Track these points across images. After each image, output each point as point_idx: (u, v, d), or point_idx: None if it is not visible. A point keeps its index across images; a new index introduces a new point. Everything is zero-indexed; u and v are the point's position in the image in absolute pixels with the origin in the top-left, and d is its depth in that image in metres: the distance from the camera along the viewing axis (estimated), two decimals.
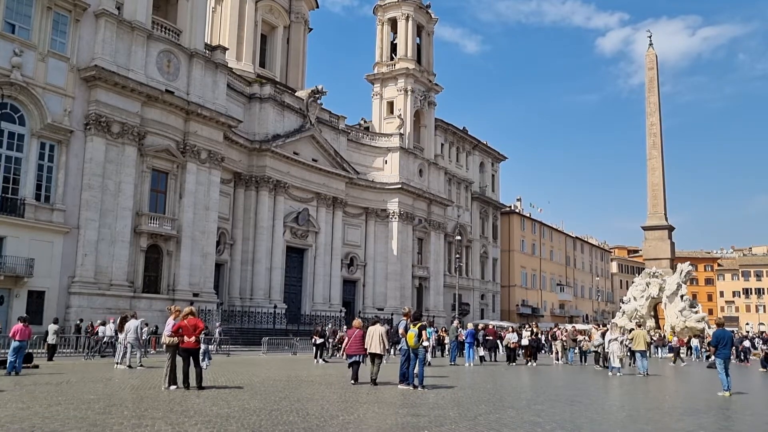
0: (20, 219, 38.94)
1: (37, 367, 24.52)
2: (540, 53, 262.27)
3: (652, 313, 65.04)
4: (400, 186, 74.71)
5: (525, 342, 35.52)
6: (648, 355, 31.24)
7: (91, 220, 42.58)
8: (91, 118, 42.96)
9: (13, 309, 37.73)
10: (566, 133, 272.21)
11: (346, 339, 22.86)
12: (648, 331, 37.79)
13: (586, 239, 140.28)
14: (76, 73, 42.59)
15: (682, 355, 44.48)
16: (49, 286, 40.52)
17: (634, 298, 65.15)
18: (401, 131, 76.83)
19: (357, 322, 21.98)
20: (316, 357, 33.87)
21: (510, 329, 40.43)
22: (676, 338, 50.80)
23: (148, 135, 46.69)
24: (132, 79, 44.77)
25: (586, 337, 38.71)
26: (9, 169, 39.05)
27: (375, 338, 20.29)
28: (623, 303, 68.37)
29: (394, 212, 74.87)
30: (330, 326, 37.68)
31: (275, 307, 57.85)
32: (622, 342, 29.97)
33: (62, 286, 41.17)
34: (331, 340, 38.61)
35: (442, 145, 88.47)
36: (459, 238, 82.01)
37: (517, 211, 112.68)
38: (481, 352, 36.24)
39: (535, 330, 38.88)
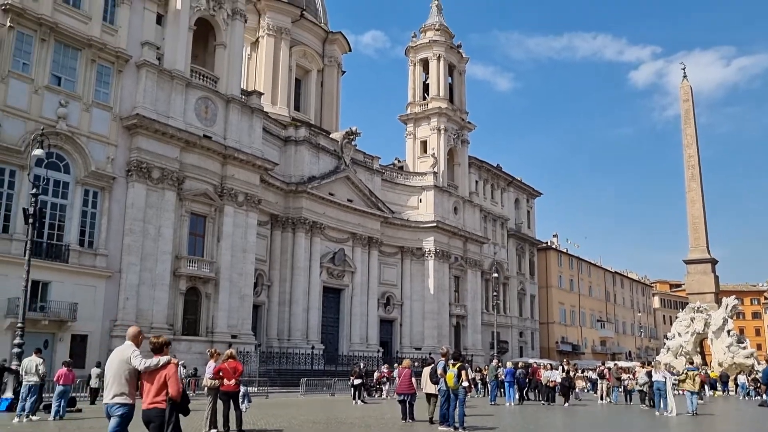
0: (65, 264, 39.91)
1: (80, 410, 24.86)
2: (572, 88, 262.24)
3: (698, 349, 63.16)
4: (435, 224, 74.68)
5: (557, 379, 34.77)
6: (701, 395, 30.24)
7: (132, 264, 43.42)
8: (133, 164, 44.16)
9: (57, 353, 38.37)
10: (601, 167, 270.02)
11: (397, 378, 23.09)
12: (700, 371, 36.54)
13: (625, 274, 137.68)
14: (119, 122, 43.98)
15: (710, 392, 42.96)
16: (92, 330, 41.21)
17: (679, 334, 63.42)
18: (435, 170, 77.12)
19: (407, 362, 22.48)
20: (354, 398, 33.65)
21: (548, 367, 39.66)
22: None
23: (187, 179, 47.72)
24: (171, 126, 46.01)
25: (631, 375, 37.73)
26: (54, 216, 40.18)
27: (429, 378, 20.39)
28: (667, 339, 66.56)
29: (429, 251, 74.72)
30: (362, 365, 37.44)
31: (313, 347, 57.81)
32: (669, 381, 29.12)
33: (104, 329, 41.84)
34: (369, 380, 38.35)
35: (477, 182, 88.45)
36: (496, 275, 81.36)
37: (553, 247, 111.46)
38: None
39: (567, 368, 38.05)
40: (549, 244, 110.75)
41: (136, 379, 9.51)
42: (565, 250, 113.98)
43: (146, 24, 46.64)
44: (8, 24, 38.47)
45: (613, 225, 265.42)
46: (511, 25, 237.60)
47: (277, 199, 60.34)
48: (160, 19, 47.78)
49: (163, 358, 9.49)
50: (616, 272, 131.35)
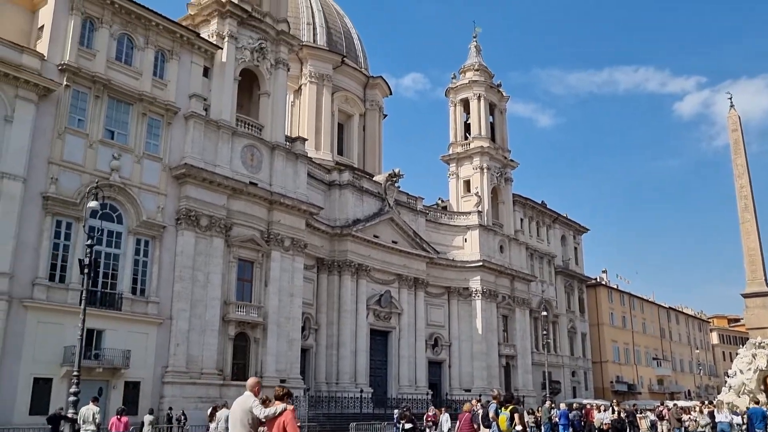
0: (118, 312, 40.85)
1: None
2: (615, 122, 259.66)
3: (762, 387, 60.46)
4: (481, 264, 74.10)
5: (607, 421, 33.67)
6: None
7: (182, 311, 44.15)
8: (182, 213, 45.26)
9: (111, 400, 38.96)
10: (649, 200, 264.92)
11: (458, 423, 22.94)
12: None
13: (680, 309, 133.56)
14: (168, 172, 45.30)
15: None
16: (144, 377, 41.82)
17: (740, 372, 60.69)
18: (479, 209, 76.86)
19: (467, 405, 22.57)
20: None
21: (601, 408, 38.49)
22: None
23: (234, 226, 48.61)
24: (219, 174, 47.16)
25: (692, 416, 36.35)
26: (108, 265, 41.32)
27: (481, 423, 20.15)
28: (728, 377, 63.88)
29: (476, 290, 74.02)
30: (404, 408, 36.93)
31: (361, 391, 57.40)
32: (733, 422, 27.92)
33: (156, 376, 42.42)
34: (420, 423, 37.75)
35: (522, 220, 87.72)
36: (545, 313, 79.66)
37: (603, 283, 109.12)
38: None
39: (617, 409, 36.81)
40: (598, 280, 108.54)
41: (258, 426, 10.75)
42: (615, 287, 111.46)
43: (193, 77, 48.29)
44: (65, 83, 40.31)
45: (664, 259, 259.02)
46: (551, 61, 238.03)
47: (323, 242, 60.85)
48: (206, 72, 49.41)
49: (281, 407, 10.68)
50: (670, 308, 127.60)
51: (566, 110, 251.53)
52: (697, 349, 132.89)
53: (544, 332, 77.53)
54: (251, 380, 11.08)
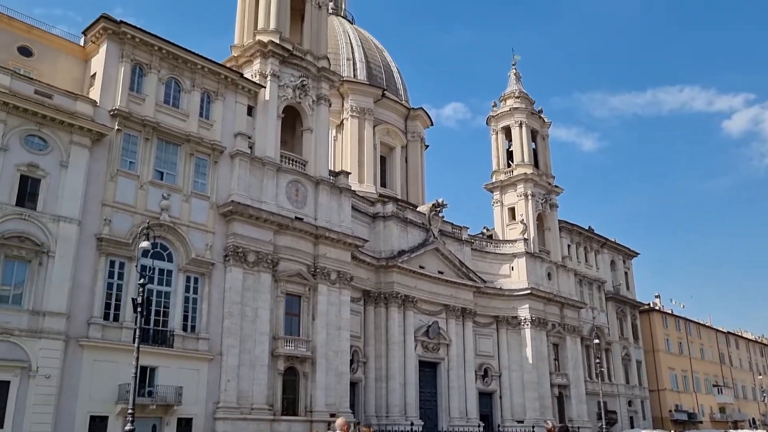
0: (170, 349, 41.60)
1: None
2: (662, 143, 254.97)
3: None
4: (529, 291, 73.10)
5: None
6: None
7: (232, 347, 44.66)
8: (230, 249, 46.06)
9: None
10: (701, 220, 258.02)
11: None
12: None
13: (740, 334, 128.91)
14: (215, 210, 46.29)
15: None
16: (196, 413, 42.29)
17: None
18: (525, 236, 76.10)
19: None
20: None
21: None
22: None
23: (281, 261, 49.19)
24: (265, 210, 47.95)
25: None
26: (160, 303, 42.24)
27: None
28: None
29: (525, 319, 72.94)
30: None
31: (412, 424, 56.79)
32: None
33: (208, 412, 42.84)
34: None
35: (569, 246, 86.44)
36: (597, 341, 78.00)
37: (656, 308, 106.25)
38: None
39: None
40: (651, 305, 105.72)
41: None
42: (669, 311, 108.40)
43: (238, 116, 49.52)
44: (116, 127, 41.82)
45: (719, 282, 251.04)
46: (592, 85, 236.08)
47: (369, 275, 60.98)
48: (250, 111, 50.62)
49: None
50: (729, 332, 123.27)
51: (610, 133, 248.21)
52: (760, 374, 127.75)
53: (597, 360, 75.72)
54: (339, 420, 11.35)
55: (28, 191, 37.77)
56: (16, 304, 36.31)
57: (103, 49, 43.46)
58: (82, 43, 45.40)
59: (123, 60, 43.51)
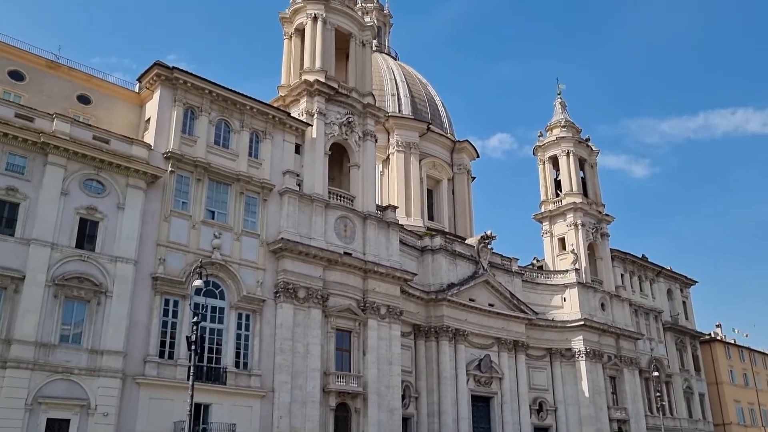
0: (223, 386, 42.06)
1: None
2: (716, 167, 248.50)
3: None
4: (582, 322, 71.54)
5: None
6: None
7: (284, 383, 44.88)
8: (280, 286, 46.60)
9: None
10: (761, 246, 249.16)
11: None
12: None
13: None
14: (266, 247, 47.04)
15: None
16: None
17: None
18: (576, 266, 74.80)
19: None
20: None
21: None
22: None
23: (331, 296, 49.48)
24: (314, 246, 48.49)
25: None
26: (212, 340, 42.90)
27: None
28: None
29: (579, 351, 71.26)
30: None
31: None
32: None
33: None
34: None
35: (622, 275, 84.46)
36: (656, 373, 75.44)
37: (718, 338, 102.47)
38: None
39: None
40: (713, 335, 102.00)
41: None
42: (732, 341, 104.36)
43: (286, 154, 50.52)
44: (170, 169, 43.16)
45: None
46: (640, 111, 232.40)
47: (418, 308, 60.73)
48: (298, 149, 51.60)
49: None
50: None
51: (661, 159, 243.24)
52: None
53: (658, 394, 73.18)
54: None
55: (87, 233, 39.19)
56: (76, 343, 37.38)
57: (156, 94, 45.15)
58: (137, 90, 47.28)
59: (176, 104, 45.08)
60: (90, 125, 42.58)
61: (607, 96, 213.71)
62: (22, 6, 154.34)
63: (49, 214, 37.75)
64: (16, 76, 43.40)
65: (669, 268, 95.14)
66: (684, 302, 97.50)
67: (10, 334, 35.09)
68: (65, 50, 55.59)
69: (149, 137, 44.26)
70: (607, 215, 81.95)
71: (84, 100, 45.84)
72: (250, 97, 48.70)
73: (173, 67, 45.23)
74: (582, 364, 70.95)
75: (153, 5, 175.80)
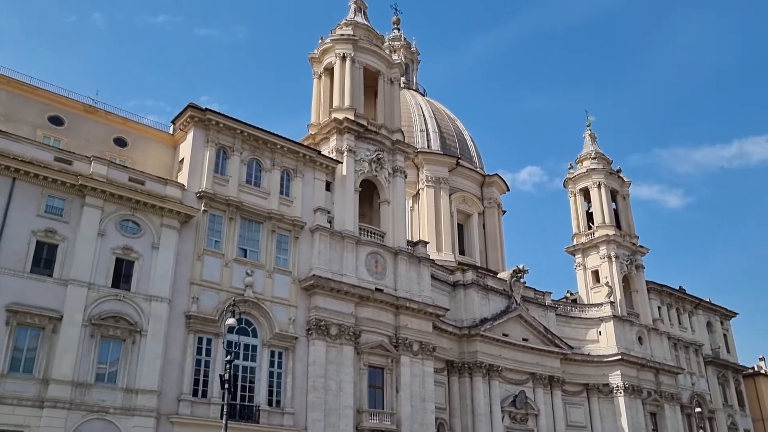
0: (256, 425, 41.93)
1: None
2: (753, 195, 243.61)
3: None
4: (619, 357, 70.00)
5: None
6: None
7: (316, 421, 44.59)
8: (312, 323, 46.64)
9: None
10: None
11: None
12: None
13: None
14: (297, 284, 47.26)
15: None
16: None
17: None
18: (611, 299, 73.53)
19: None
20: None
21: None
22: None
23: (363, 333, 49.33)
24: (345, 283, 48.56)
25: None
26: (245, 378, 42.94)
27: None
28: None
29: (617, 386, 69.59)
30: None
31: None
32: None
33: None
34: None
35: (659, 308, 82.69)
36: (698, 409, 73.50)
37: (763, 372, 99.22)
38: None
39: None
40: (756, 369, 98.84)
41: None
42: None
43: (317, 192, 51.01)
44: (203, 208, 43.87)
45: None
46: (672, 140, 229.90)
47: (451, 344, 60.13)
48: (328, 186, 52.09)
49: None
50: None
51: (696, 188, 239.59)
52: None
53: (701, 430, 71.08)
54: None
55: (122, 273, 39.87)
56: (111, 382, 37.73)
57: (190, 135, 46.17)
58: (171, 131, 48.42)
59: (208, 144, 46.00)
60: (126, 167, 43.62)
61: (638, 126, 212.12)
62: (62, 53, 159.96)
63: (86, 255, 38.53)
64: (56, 121, 44.84)
65: (708, 300, 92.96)
66: (725, 335, 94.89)
67: (48, 374, 35.59)
68: (102, 94, 57.54)
69: (183, 177, 45.13)
70: (641, 247, 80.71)
71: (120, 142, 47.09)
72: (280, 136, 49.49)
73: (206, 109, 46.29)
74: (621, 400, 69.22)
75: (186, 48, 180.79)
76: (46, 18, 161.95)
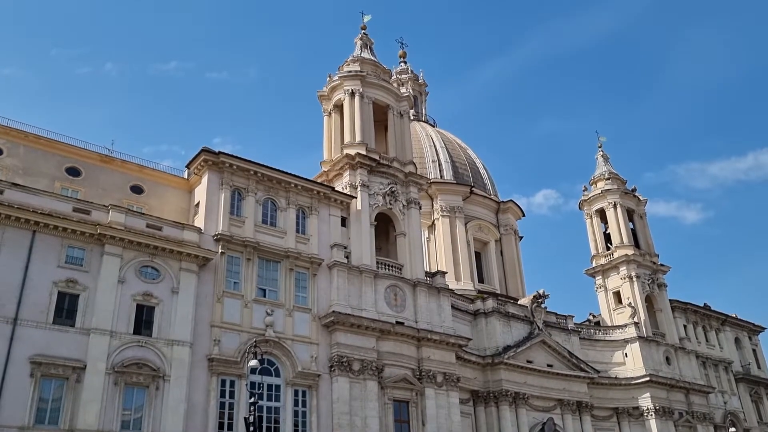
0: None
1: None
2: None
3: None
4: (648, 378, 68.81)
5: None
6: None
7: None
8: (334, 360, 46.43)
9: None
10: None
11: None
12: None
13: None
14: (318, 321, 47.20)
15: None
16: None
17: None
18: (635, 320, 72.57)
19: None
20: None
21: None
22: None
23: (386, 367, 48.99)
24: (366, 318, 48.42)
25: None
26: (270, 419, 42.64)
27: None
28: None
29: (648, 409, 68.28)
30: None
31: None
32: None
33: None
34: None
35: (685, 326, 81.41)
36: (733, 429, 71.88)
37: None
38: None
39: None
40: None
41: None
42: None
43: (333, 228, 51.21)
44: (220, 250, 44.14)
45: None
46: (686, 155, 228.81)
47: (475, 374, 59.49)
48: (344, 221, 52.30)
49: None
50: None
51: (714, 203, 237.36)
52: None
53: None
54: None
55: (144, 319, 40.07)
56: (137, 430, 37.66)
57: (204, 179, 46.71)
58: (186, 176, 49.03)
59: (223, 186, 46.48)
60: (143, 213, 44.16)
61: (651, 143, 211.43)
62: (77, 104, 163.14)
63: (107, 303, 38.83)
64: (74, 172, 45.63)
65: (734, 316, 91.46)
66: (754, 350, 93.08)
67: (73, 424, 35.61)
68: (118, 143, 58.78)
69: (199, 221, 45.57)
70: (662, 265, 79.81)
71: (137, 189, 47.74)
72: (294, 175, 49.92)
73: (219, 152, 46.88)
74: (652, 423, 67.86)
75: (198, 92, 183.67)
76: (61, 71, 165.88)
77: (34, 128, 44.83)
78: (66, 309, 37.88)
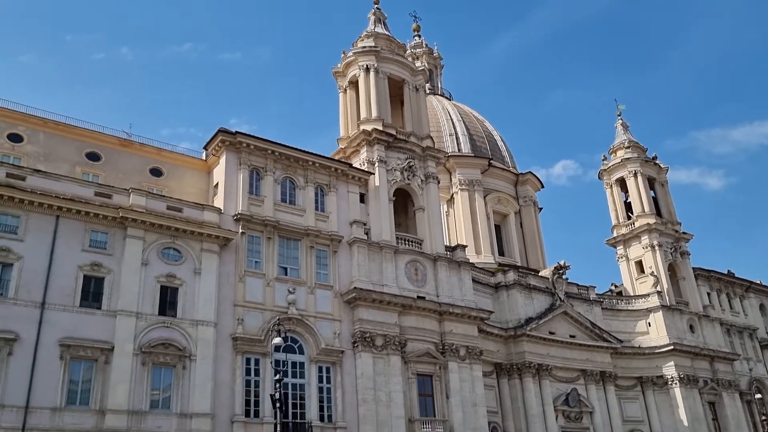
0: None
1: None
2: None
3: None
4: (671, 347, 68.53)
5: None
6: None
7: None
8: (357, 335, 46.76)
9: None
10: None
11: None
12: None
13: None
14: (339, 298, 47.48)
15: None
16: None
17: None
18: (658, 289, 72.11)
19: None
20: None
21: None
22: None
23: (408, 342, 49.26)
24: (387, 293, 48.61)
25: None
26: (295, 395, 43.22)
27: None
28: None
29: (672, 377, 68.12)
30: None
31: None
32: None
33: None
34: None
35: (708, 294, 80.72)
36: (759, 395, 71.49)
37: None
38: None
39: None
40: None
41: None
42: None
43: (351, 204, 51.26)
44: (240, 230, 44.43)
45: None
46: (707, 121, 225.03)
47: (498, 346, 59.63)
48: (362, 198, 52.29)
49: None
50: None
51: (737, 168, 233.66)
52: None
53: (764, 417, 69.02)
54: None
55: (168, 300, 40.63)
56: (166, 408, 38.39)
57: (222, 159, 46.88)
58: (204, 157, 49.25)
59: (241, 167, 46.62)
60: (163, 196, 44.52)
61: (672, 110, 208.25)
62: (95, 89, 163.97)
63: (132, 285, 39.36)
64: (93, 156, 46.02)
65: (759, 282, 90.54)
66: None
67: (103, 404, 36.36)
68: (136, 126, 59.09)
69: (219, 201, 45.83)
70: (684, 233, 79.00)
71: (156, 172, 48.08)
72: (311, 153, 49.93)
73: (236, 132, 46.96)
74: (677, 391, 67.72)
75: (213, 73, 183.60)
76: (77, 57, 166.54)
77: (53, 114, 45.25)
78: (92, 292, 38.49)
